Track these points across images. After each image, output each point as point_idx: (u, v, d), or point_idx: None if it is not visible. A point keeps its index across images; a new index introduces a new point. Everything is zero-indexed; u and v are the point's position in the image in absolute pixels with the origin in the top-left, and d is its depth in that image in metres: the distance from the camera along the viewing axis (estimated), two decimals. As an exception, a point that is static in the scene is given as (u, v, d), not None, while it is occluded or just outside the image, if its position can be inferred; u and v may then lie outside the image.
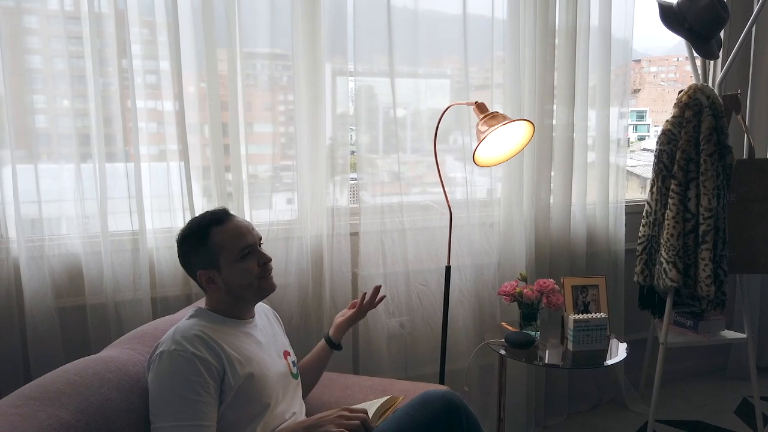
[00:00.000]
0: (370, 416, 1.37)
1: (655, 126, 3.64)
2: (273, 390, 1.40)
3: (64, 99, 1.86)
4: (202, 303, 1.49)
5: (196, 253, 1.39)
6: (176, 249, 1.44)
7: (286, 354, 1.53)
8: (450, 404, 1.34)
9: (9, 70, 1.78)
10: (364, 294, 1.76)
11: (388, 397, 1.49)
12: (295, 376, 1.53)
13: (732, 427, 2.58)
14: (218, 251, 1.37)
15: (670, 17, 2.26)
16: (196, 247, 1.38)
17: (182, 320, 1.40)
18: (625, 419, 2.66)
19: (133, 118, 1.88)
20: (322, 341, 1.71)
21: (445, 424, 1.31)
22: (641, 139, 3.74)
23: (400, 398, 1.54)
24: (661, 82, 3.68)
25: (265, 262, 1.42)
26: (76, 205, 1.90)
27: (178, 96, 1.92)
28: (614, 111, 2.58)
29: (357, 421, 1.29)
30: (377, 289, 1.75)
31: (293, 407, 1.47)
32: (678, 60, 3.59)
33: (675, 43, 3.40)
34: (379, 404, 1.44)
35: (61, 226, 1.92)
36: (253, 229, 1.44)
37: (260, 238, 1.46)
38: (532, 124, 1.85)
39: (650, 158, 2.39)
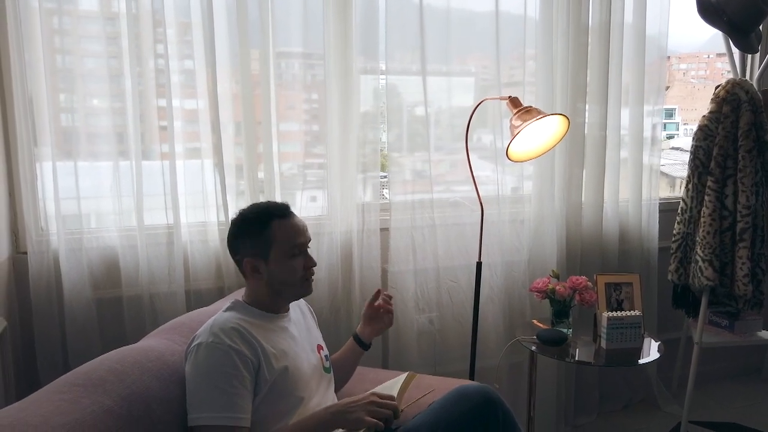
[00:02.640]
0: (395, 398, 1.35)
1: (685, 124, 3.57)
2: (307, 384, 1.40)
3: (102, 98, 1.90)
4: (238, 295, 1.51)
5: (251, 239, 1.40)
6: (228, 230, 1.45)
7: (319, 348, 1.54)
8: (487, 398, 1.33)
9: (49, 70, 1.83)
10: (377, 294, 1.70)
11: (407, 374, 1.47)
12: (327, 371, 1.53)
13: (768, 430, 2.52)
14: (272, 243, 1.39)
15: (708, 10, 2.21)
16: (253, 234, 1.40)
17: (219, 312, 1.41)
18: (656, 419, 2.62)
19: (169, 117, 1.91)
20: (351, 340, 1.69)
21: (481, 417, 1.31)
22: (670, 137, 3.68)
23: (417, 376, 1.52)
24: (691, 80, 3.62)
25: (311, 265, 1.45)
26: (114, 201, 1.94)
27: (212, 95, 1.95)
28: (648, 108, 2.54)
29: (389, 411, 1.28)
30: (378, 292, 1.70)
31: (326, 401, 1.47)
32: (708, 57, 3.52)
33: (705, 39, 3.33)
34: (400, 384, 1.42)
35: (99, 221, 1.96)
36: (307, 230, 1.46)
37: (309, 240, 1.47)
38: (567, 118, 1.83)
39: (679, 157, 2.35)
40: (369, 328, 1.67)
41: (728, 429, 2.54)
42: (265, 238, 1.39)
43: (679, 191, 2.86)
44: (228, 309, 1.41)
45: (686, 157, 3.28)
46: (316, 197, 2.22)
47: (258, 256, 1.39)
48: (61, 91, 1.88)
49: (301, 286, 1.44)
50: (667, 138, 3.65)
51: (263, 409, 1.32)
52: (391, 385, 1.43)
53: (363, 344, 1.68)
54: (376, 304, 1.67)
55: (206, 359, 1.28)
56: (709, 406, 2.71)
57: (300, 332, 1.49)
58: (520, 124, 1.76)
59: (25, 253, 1.87)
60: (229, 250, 1.45)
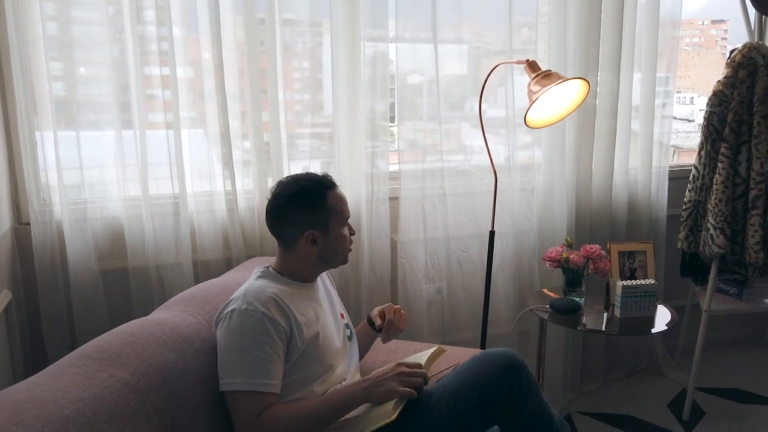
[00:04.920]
0: (423, 366, 1.35)
1: (678, 92, 3.52)
2: (335, 352, 1.41)
3: (104, 66, 1.84)
4: (255, 265, 1.50)
5: (311, 212, 1.39)
6: (272, 204, 1.41)
7: (341, 316, 1.54)
8: (511, 361, 1.33)
9: (47, 37, 1.76)
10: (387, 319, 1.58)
11: (436, 347, 1.47)
12: (349, 338, 1.53)
13: (772, 396, 2.55)
14: (332, 214, 1.40)
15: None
16: (312, 206, 1.39)
17: (250, 280, 1.41)
18: (661, 386, 2.64)
19: (173, 85, 1.86)
20: (365, 322, 1.64)
21: (505, 380, 1.30)
22: (663, 105, 3.63)
23: (447, 350, 1.51)
24: (685, 47, 3.55)
25: (353, 234, 1.48)
26: (117, 171, 1.89)
27: (217, 63, 1.89)
28: (660, 76, 2.48)
29: (420, 379, 1.29)
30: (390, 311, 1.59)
31: (350, 368, 1.48)
32: (703, 24, 3.44)
33: (700, 6, 3.26)
34: (428, 356, 1.42)
35: (103, 191, 1.91)
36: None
37: None
38: (588, 82, 1.78)
39: (673, 125, 2.32)
40: (384, 332, 1.58)
41: (731, 395, 2.56)
42: (326, 210, 1.40)
43: (674, 159, 2.83)
44: (259, 277, 1.41)
45: (680, 124, 3.24)
46: (322, 166, 2.18)
47: (320, 228, 1.39)
48: (58, 59, 1.81)
49: (346, 254, 1.47)
50: (662, 106, 3.60)
51: (293, 375, 1.33)
52: (419, 357, 1.43)
53: (376, 329, 1.62)
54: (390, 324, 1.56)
55: (240, 325, 1.28)
56: (711, 373, 2.74)
57: (325, 301, 1.50)
58: (539, 90, 1.70)
59: (28, 223, 1.83)
60: (280, 224, 1.41)
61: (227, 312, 1.32)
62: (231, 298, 1.36)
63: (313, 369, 1.35)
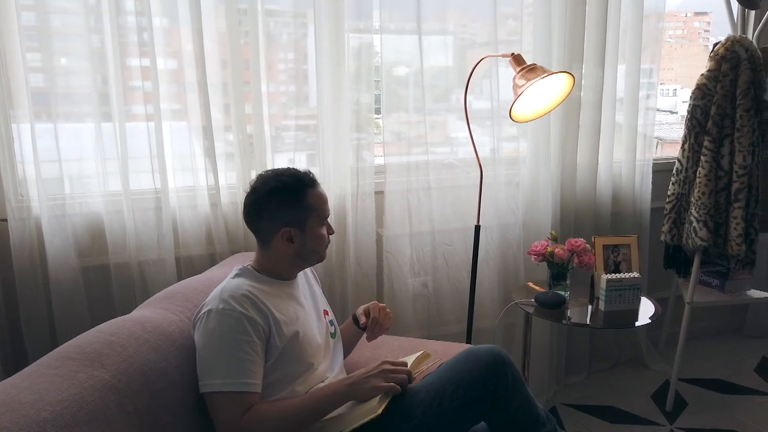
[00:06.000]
0: (407, 364, 1.35)
1: (661, 84, 3.54)
2: (316, 350, 1.40)
3: (81, 57, 1.79)
4: (237, 261, 1.47)
5: (289, 208, 1.36)
6: (250, 198, 1.38)
7: (325, 313, 1.52)
8: (497, 358, 1.32)
9: (23, 27, 1.71)
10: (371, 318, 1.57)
11: (422, 352, 1.47)
12: (333, 336, 1.51)
13: (753, 386, 2.58)
14: (310, 212, 1.38)
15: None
16: (290, 203, 1.36)
17: (227, 279, 1.38)
18: (644, 377, 2.66)
19: (153, 77, 1.82)
20: (351, 320, 1.63)
21: (491, 377, 1.30)
22: (647, 98, 3.65)
23: (432, 355, 1.52)
24: (669, 39, 3.57)
25: (332, 233, 1.46)
26: (97, 165, 1.85)
27: (199, 54, 1.85)
28: (644, 68, 2.49)
29: (403, 375, 1.28)
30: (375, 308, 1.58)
31: (334, 366, 1.47)
32: (686, 16, 3.46)
33: None
34: (413, 359, 1.43)
35: (82, 185, 1.87)
36: None
37: None
38: (573, 76, 1.77)
39: (656, 117, 2.33)
40: (369, 330, 1.56)
41: (713, 385, 2.59)
42: (303, 208, 1.37)
43: (657, 151, 2.85)
44: (236, 275, 1.38)
45: (663, 116, 3.25)
46: (307, 160, 2.15)
47: (296, 225, 1.36)
48: (35, 50, 1.76)
49: (323, 254, 1.44)
50: (645, 98, 3.62)
51: (273, 374, 1.31)
52: (406, 359, 1.43)
53: (362, 328, 1.60)
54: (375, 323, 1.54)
55: (217, 326, 1.26)
56: (694, 364, 2.77)
57: (307, 299, 1.48)
58: (525, 83, 1.69)
59: (5, 219, 1.79)
60: (256, 219, 1.39)
61: (204, 312, 1.29)
62: (207, 298, 1.33)
63: (294, 368, 1.34)
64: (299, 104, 2.11)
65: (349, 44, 2.02)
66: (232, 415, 1.23)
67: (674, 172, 2.36)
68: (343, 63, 2.02)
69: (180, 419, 1.26)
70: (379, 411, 1.22)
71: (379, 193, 2.18)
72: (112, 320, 1.32)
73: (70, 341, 1.23)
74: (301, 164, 2.14)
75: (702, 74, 2.23)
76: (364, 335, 1.56)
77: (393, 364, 1.30)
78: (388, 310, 1.56)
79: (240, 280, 1.35)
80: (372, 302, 1.58)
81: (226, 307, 1.27)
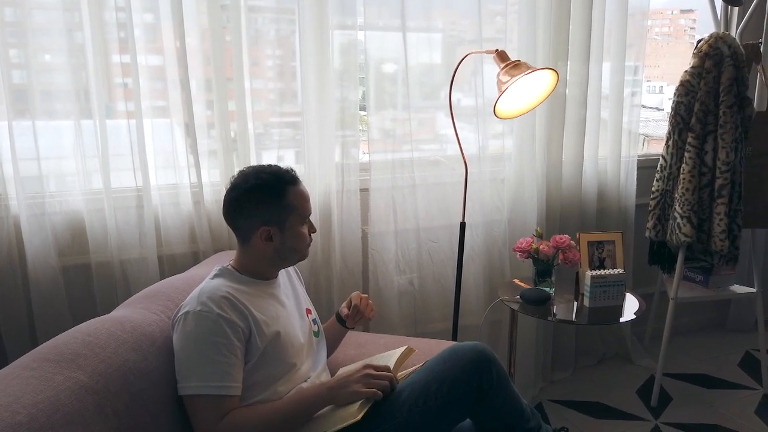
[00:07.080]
0: (391, 369, 1.34)
1: (647, 81, 3.56)
2: (298, 350, 1.38)
3: (60, 54, 1.76)
4: (218, 261, 1.45)
5: (268, 206, 1.34)
6: (229, 194, 1.36)
7: (308, 312, 1.51)
8: (480, 355, 1.32)
9: (5, 23, 1.68)
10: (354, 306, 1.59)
11: (405, 348, 1.46)
12: (316, 335, 1.50)
13: (737, 380, 2.61)
14: (290, 211, 1.35)
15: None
16: (269, 201, 1.34)
17: (206, 280, 1.36)
18: (630, 373, 2.68)
19: (134, 74, 1.79)
20: (334, 318, 1.62)
21: (475, 374, 1.29)
22: (632, 95, 3.67)
23: (416, 350, 1.51)
24: (655, 36, 3.58)
25: (313, 232, 1.43)
26: (77, 162, 1.82)
27: (181, 50, 1.83)
28: (629, 65, 2.50)
29: (385, 381, 1.27)
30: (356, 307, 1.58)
31: (317, 366, 1.46)
32: (672, 13, 3.48)
33: None
34: (397, 356, 1.41)
35: (62, 183, 1.84)
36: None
37: None
38: (557, 72, 1.77)
39: (642, 114, 2.34)
40: (350, 319, 1.57)
41: (698, 380, 2.61)
42: (283, 206, 1.34)
43: (643, 148, 2.86)
44: (215, 276, 1.36)
45: (649, 113, 3.27)
46: (292, 157, 2.13)
47: (275, 224, 1.34)
48: (12, 46, 1.73)
49: (304, 253, 1.42)
50: (631, 95, 3.63)
51: (254, 375, 1.29)
52: (387, 357, 1.42)
53: (345, 325, 1.60)
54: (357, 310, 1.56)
55: (195, 328, 1.24)
56: (678, 359, 2.79)
57: (288, 298, 1.46)
58: (509, 80, 1.69)
59: (-18, 219, 1.75)
60: (235, 217, 1.37)
61: (182, 314, 1.27)
62: (185, 300, 1.31)
63: (276, 368, 1.32)
64: (286, 101, 2.09)
65: (333, 41, 2.01)
66: (209, 419, 1.21)
67: (658, 168, 2.36)
68: (328, 60, 2.01)
69: (160, 420, 1.24)
70: (359, 417, 1.21)
71: (365, 191, 2.17)
72: (91, 320, 1.30)
73: (47, 342, 1.21)
74: (288, 161, 2.13)
75: (686, 71, 2.24)
76: (349, 330, 1.55)
77: (376, 369, 1.29)
78: (370, 301, 1.56)
79: (219, 281, 1.33)
80: (354, 292, 1.58)
81: (204, 309, 1.25)
